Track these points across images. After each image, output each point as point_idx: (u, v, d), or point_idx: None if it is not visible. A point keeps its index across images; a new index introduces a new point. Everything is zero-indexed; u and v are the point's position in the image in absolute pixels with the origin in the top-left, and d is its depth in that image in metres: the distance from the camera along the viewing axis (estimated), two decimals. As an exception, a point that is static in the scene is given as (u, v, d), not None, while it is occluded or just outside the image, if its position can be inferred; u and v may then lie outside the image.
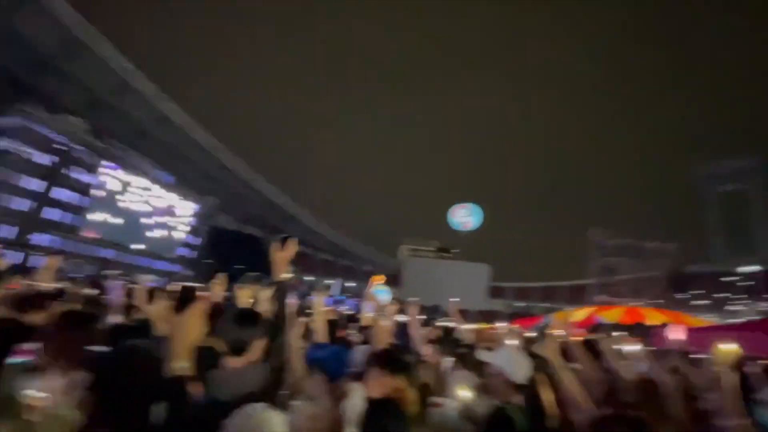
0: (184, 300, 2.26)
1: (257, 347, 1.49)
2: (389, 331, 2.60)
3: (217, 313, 1.98)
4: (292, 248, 1.98)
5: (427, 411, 2.14)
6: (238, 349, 1.47)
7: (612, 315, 10.98)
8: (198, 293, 3.36)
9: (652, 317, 10.37)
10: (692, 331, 7.29)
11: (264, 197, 29.88)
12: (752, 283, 31.99)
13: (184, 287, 4.01)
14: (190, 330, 1.39)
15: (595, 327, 9.94)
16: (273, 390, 1.71)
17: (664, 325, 9.75)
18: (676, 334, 3.56)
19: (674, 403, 1.66)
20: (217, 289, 3.38)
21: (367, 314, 2.62)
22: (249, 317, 1.56)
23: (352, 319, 6.23)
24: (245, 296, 3.03)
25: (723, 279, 34.56)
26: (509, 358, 1.99)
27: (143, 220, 39.50)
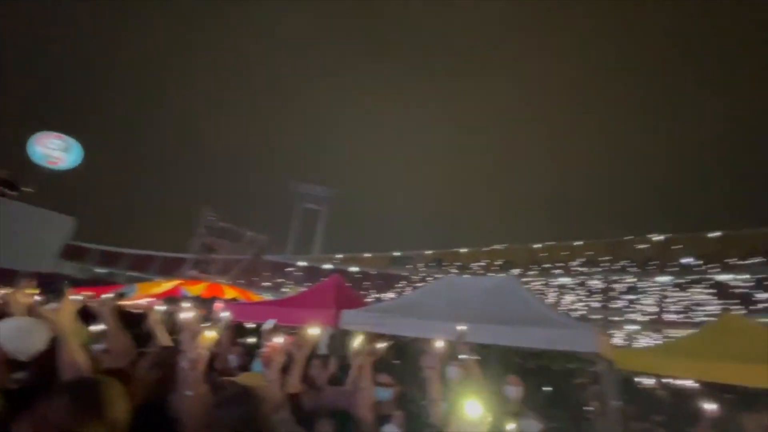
0: None
1: None
2: None
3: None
4: None
5: None
6: None
7: (196, 289, 11.64)
8: None
9: (229, 292, 11.96)
10: (251, 305, 9.14)
11: None
12: (301, 273, 45.49)
13: None
14: None
15: (177, 299, 10.18)
16: None
17: (234, 299, 11.52)
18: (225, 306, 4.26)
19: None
20: None
21: None
22: None
23: None
24: None
25: (286, 269, 46.37)
26: (17, 331, 1.51)
27: None
